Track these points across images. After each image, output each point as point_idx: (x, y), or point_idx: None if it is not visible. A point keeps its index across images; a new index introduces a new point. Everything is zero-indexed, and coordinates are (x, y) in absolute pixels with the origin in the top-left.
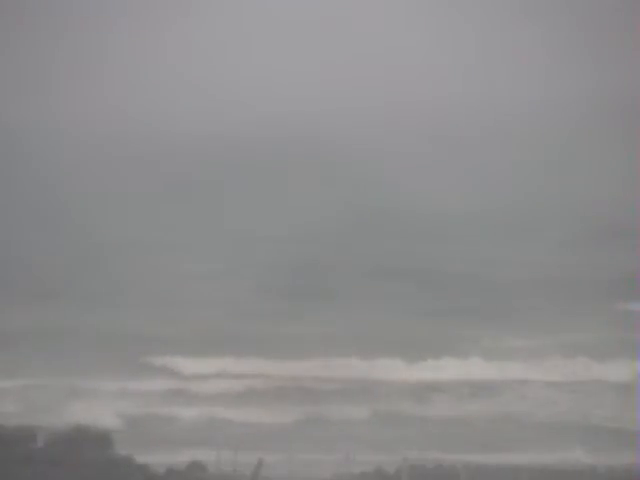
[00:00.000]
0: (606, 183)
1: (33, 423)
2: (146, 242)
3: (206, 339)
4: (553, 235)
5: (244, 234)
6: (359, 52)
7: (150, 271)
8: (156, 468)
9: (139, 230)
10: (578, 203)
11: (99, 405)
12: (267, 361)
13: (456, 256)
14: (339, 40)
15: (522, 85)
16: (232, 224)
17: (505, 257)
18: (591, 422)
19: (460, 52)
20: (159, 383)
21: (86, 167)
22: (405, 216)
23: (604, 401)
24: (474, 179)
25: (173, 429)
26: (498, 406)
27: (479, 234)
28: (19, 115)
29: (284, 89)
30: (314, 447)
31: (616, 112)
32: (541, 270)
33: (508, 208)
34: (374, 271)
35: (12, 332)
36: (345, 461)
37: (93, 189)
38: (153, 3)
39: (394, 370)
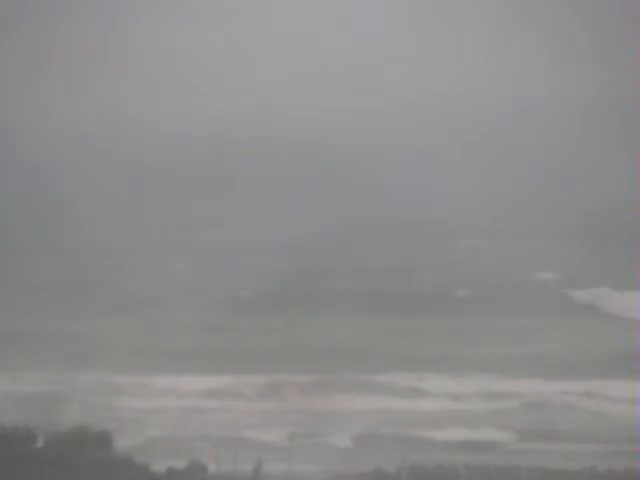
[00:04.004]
0: (608, 185)
1: (33, 423)
2: (138, 244)
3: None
4: (554, 237)
5: (238, 240)
6: (359, 53)
7: (136, 274)
8: (156, 468)
9: (135, 231)
10: (579, 204)
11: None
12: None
13: (456, 260)
14: (339, 40)
15: (523, 85)
16: (230, 228)
17: (505, 259)
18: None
19: (461, 53)
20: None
21: (84, 167)
22: (405, 219)
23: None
24: (475, 180)
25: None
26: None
27: (480, 238)
28: (16, 114)
29: (284, 91)
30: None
31: (618, 112)
32: (539, 274)
33: (509, 209)
34: (368, 277)
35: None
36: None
37: (91, 189)
38: (153, 3)
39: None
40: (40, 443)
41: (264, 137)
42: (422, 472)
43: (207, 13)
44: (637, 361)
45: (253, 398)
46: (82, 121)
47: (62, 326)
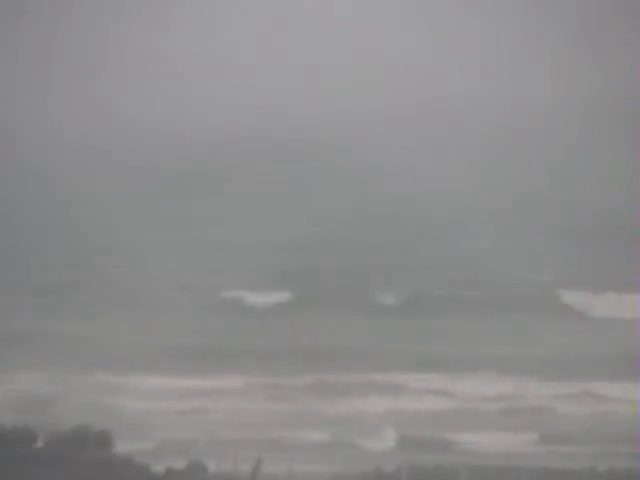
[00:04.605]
0: (609, 185)
1: (33, 423)
2: (137, 246)
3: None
4: (554, 237)
5: (238, 240)
6: (359, 53)
7: (136, 274)
8: (156, 468)
9: (134, 231)
10: (580, 205)
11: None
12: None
13: (456, 261)
14: (339, 41)
15: (524, 86)
16: (230, 228)
17: (506, 259)
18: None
19: (460, 53)
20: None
21: (83, 167)
22: (405, 218)
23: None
24: (475, 180)
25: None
26: None
27: (480, 238)
28: (16, 114)
29: (284, 91)
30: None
31: (618, 113)
32: (540, 275)
33: (509, 210)
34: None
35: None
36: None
37: (91, 190)
38: (154, 3)
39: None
40: (40, 443)
41: (264, 137)
42: (422, 472)
43: (206, 13)
44: (637, 362)
45: (254, 399)
46: (82, 121)
47: (62, 326)
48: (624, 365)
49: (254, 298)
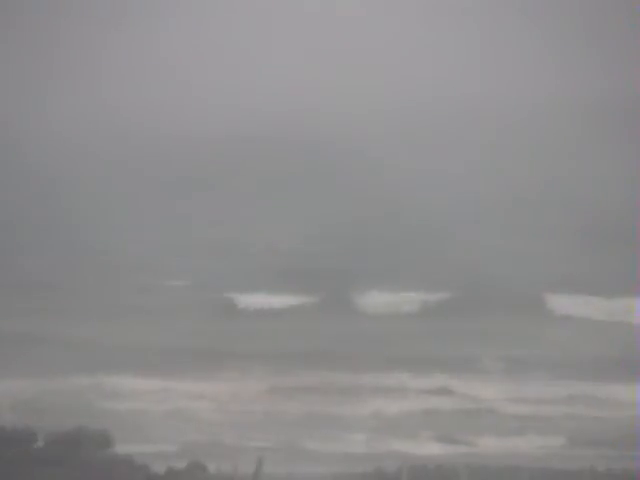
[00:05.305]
0: (610, 185)
1: (32, 423)
2: (137, 245)
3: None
4: (556, 237)
5: (237, 240)
6: (360, 54)
7: (135, 275)
8: (156, 468)
9: (133, 231)
10: (581, 205)
11: None
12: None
13: (456, 261)
14: (339, 42)
15: (525, 86)
16: (229, 229)
17: (507, 259)
18: None
19: (462, 54)
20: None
21: (84, 168)
22: (405, 218)
23: None
24: (476, 181)
25: None
26: None
27: (479, 238)
28: (15, 115)
29: (284, 92)
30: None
31: (620, 112)
32: (540, 275)
33: (510, 210)
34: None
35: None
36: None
37: (90, 190)
38: (154, 5)
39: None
40: (40, 443)
41: (264, 137)
42: (422, 472)
43: (206, 16)
44: (637, 365)
45: (254, 401)
46: (80, 122)
47: (60, 328)
48: (624, 367)
49: (255, 299)
